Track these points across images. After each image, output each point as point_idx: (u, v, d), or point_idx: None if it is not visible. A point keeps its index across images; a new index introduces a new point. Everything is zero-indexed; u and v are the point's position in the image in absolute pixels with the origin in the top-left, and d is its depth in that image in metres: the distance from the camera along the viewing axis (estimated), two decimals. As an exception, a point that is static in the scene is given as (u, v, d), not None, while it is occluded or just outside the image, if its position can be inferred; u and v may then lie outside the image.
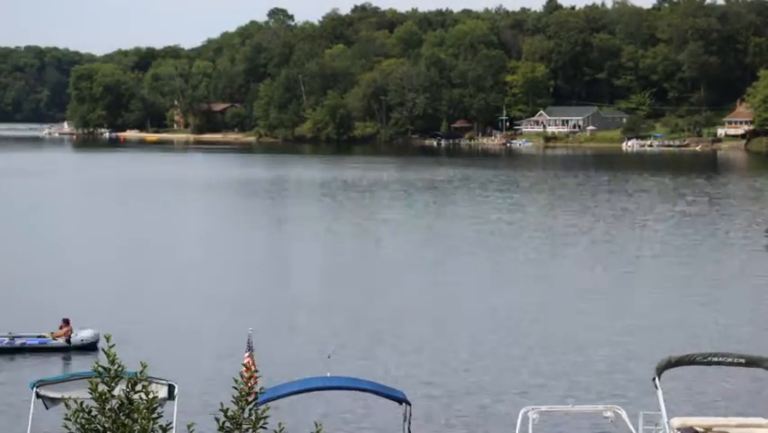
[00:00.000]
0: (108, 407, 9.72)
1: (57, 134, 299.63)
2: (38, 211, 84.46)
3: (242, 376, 9.84)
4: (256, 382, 9.74)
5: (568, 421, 24.95)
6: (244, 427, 9.64)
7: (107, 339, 10.20)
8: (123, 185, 67.79)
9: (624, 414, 20.41)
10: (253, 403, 9.72)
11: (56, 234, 71.03)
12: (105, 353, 9.93)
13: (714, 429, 20.71)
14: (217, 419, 9.62)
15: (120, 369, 9.91)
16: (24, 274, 52.47)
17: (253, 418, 9.69)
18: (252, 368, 19.94)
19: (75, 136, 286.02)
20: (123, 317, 40.78)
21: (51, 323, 37.09)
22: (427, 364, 34.15)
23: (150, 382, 10.06)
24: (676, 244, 65.55)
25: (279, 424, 9.63)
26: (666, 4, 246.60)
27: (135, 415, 9.68)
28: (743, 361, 21.51)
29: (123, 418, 9.70)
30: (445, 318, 41.64)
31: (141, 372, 9.88)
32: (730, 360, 21.50)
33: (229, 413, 9.59)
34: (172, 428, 10.16)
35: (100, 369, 9.84)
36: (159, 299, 46.20)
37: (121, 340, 11.38)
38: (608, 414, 20.85)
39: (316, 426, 9.62)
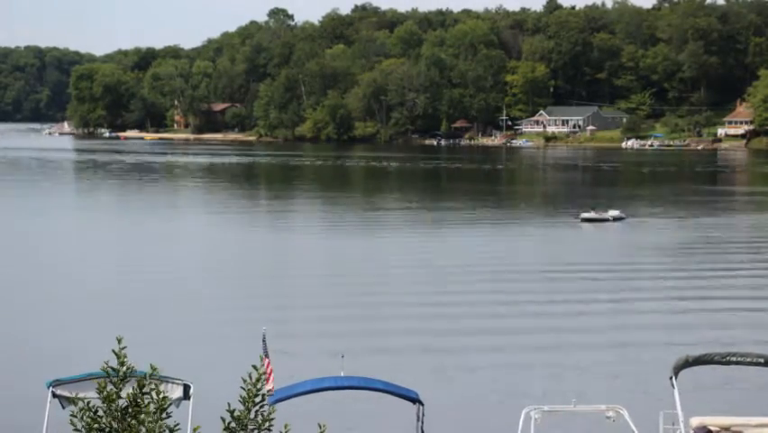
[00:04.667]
0: (114, 407, 9.73)
1: (57, 134, 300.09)
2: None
3: (250, 377, 9.81)
4: (267, 382, 9.72)
5: (570, 421, 24.97)
6: (250, 428, 9.64)
7: (119, 341, 10.15)
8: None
9: (626, 414, 20.33)
10: (260, 404, 9.68)
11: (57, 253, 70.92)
12: (116, 354, 9.94)
13: (732, 429, 20.55)
14: (223, 419, 9.63)
15: (129, 370, 9.92)
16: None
17: (259, 419, 9.67)
18: (265, 369, 19.83)
19: (74, 136, 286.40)
20: (138, 318, 40.76)
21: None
22: (435, 364, 34.19)
23: (165, 382, 10.03)
24: (695, 244, 65.56)
25: (285, 425, 9.61)
26: (666, 4, 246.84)
27: (142, 416, 9.69)
28: (762, 361, 21.10)
29: (129, 418, 9.71)
30: (454, 318, 41.69)
31: (151, 373, 9.90)
32: (749, 360, 21.03)
33: (236, 414, 9.59)
34: (179, 429, 10.19)
35: (110, 370, 9.86)
36: (170, 303, 45.91)
37: (136, 342, 11.41)
38: (611, 414, 20.79)
39: (320, 427, 9.62)
